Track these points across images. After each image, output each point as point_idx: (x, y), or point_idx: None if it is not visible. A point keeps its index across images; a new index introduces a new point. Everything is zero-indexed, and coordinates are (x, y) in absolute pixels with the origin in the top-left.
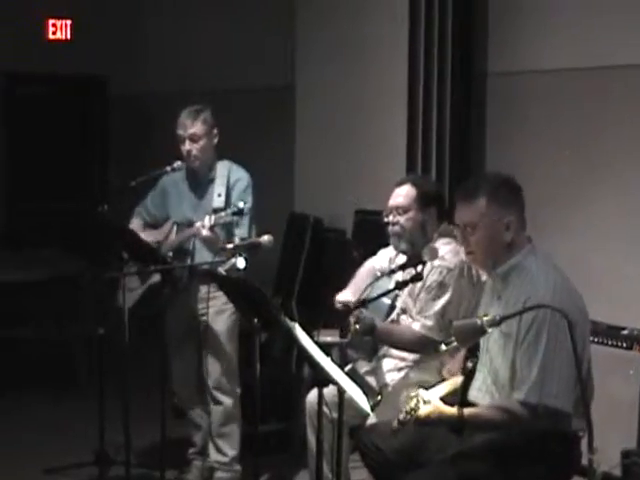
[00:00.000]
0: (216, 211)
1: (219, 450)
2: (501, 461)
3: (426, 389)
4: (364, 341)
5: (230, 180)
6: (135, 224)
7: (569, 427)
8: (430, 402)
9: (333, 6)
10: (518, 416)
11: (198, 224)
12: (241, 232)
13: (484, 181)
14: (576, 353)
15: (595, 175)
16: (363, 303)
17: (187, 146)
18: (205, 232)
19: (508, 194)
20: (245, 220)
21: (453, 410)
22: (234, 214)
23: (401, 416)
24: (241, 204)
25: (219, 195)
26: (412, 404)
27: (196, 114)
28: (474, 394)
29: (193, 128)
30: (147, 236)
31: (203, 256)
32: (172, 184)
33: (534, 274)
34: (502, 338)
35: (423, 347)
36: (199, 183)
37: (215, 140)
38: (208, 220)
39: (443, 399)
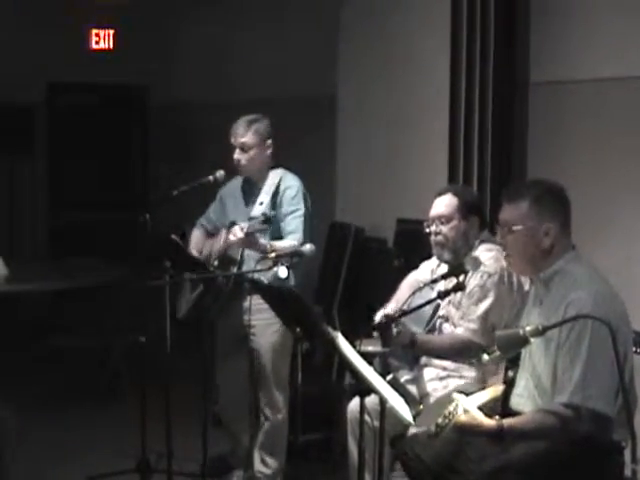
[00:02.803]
0: (252, 219)
1: (264, 462)
2: (544, 472)
3: (467, 395)
4: (406, 351)
5: (280, 188)
6: (195, 235)
7: (611, 435)
8: (468, 412)
9: (377, 17)
10: (560, 421)
11: (233, 230)
12: (296, 237)
13: (532, 185)
14: (618, 360)
15: (638, 185)
16: (405, 313)
17: (237, 155)
18: (233, 238)
19: (553, 202)
20: (298, 225)
21: (492, 422)
22: (263, 222)
23: (439, 420)
24: (269, 212)
25: (261, 203)
26: (451, 408)
27: (249, 124)
28: (516, 400)
29: (244, 138)
30: (207, 247)
31: (250, 266)
32: (229, 193)
33: (576, 279)
34: (544, 343)
35: (467, 352)
36: (252, 191)
37: (268, 151)
38: (239, 228)
39: (483, 408)
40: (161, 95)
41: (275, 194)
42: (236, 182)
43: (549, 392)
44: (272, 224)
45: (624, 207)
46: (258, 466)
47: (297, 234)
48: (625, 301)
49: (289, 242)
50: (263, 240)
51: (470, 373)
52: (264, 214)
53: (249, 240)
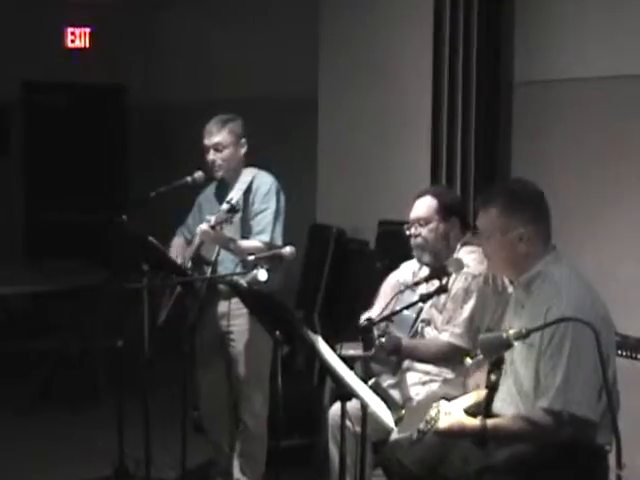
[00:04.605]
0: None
1: (243, 471)
2: (526, 475)
3: (449, 401)
4: (390, 357)
5: (253, 186)
6: (177, 241)
7: (595, 439)
8: (451, 414)
9: (357, 17)
10: (542, 425)
11: (200, 225)
12: (263, 237)
13: (500, 189)
14: (602, 362)
15: (624, 185)
16: (387, 317)
17: (211, 155)
18: (205, 227)
19: (524, 205)
20: (266, 225)
21: (475, 422)
22: (228, 211)
23: (421, 425)
24: (233, 200)
25: (230, 199)
26: (433, 414)
27: (223, 123)
28: (498, 405)
29: (218, 137)
30: (188, 253)
31: (227, 268)
32: (205, 199)
33: (557, 282)
34: (525, 348)
35: (452, 357)
36: (226, 192)
37: (242, 150)
38: (206, 221)
39: (466, 411)
40: (139, 95)
41: (247, 192)
42: (211, 187)
43: (532, 397)
44: (238, 212)
45: (610, 207)
46: (238, 475)
47: (265, 234)
48: (612, 304)
49: (255, 243)
50: (228, 233)
51: (453, 377)
52: (228, 202)
53: (216, 235)
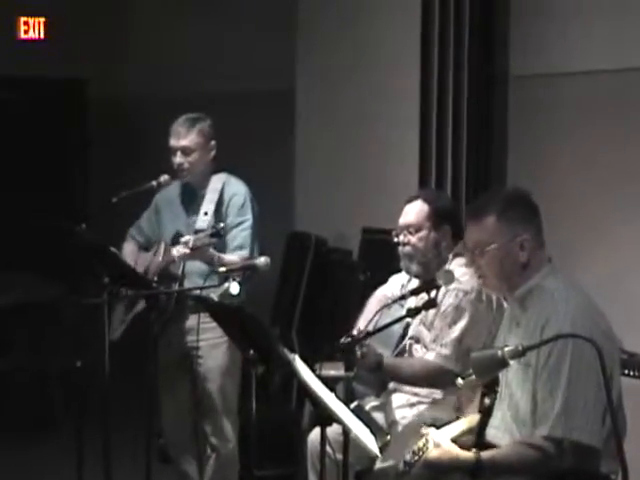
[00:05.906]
0: (198, 232)
1: None
2: None
3: (438, 427)
4: (372, 375)
5: (224, 195)
6: (128, 249)
7: (599, 467)
8: (440, 445)
9: (340, 5)
10: (543, 454)
11: (177, 247)
12: (243, 253)
13: (494, 198)
14: (605, 381)
15: (628, 188)
16: (371, 333)
17: (178, 158)
18: (177, 254)
19: (521, 211)
20: (245, 239)
21: (468, 454)
22: (212, 236)
23: (408, 456)
24: (220, 225)
25: (205, 214)
26: (420, 444)
27: (191, 124)
28: (492, 433)
29: (186, 140)
30: (142, 261)
31: (194, 282)
32: (165, 201)
33: (554, 296)
34: (521, 369)
35: (438, 379)
36: (193, 199)
37: (212, 153)
38: (184, 244)
39: (457, 440)
40: (102, 89)
41: (219, 203)
42: (173, 188)
43: (529, 423)
44: (222, 237)
45: (613, 211)
46: None
47: (244, 250)
48: (615, 319)
49: (237, 258)
50: (212, 250)
51: (443, 399)
52: (214, 227)
53: (197, 253)
